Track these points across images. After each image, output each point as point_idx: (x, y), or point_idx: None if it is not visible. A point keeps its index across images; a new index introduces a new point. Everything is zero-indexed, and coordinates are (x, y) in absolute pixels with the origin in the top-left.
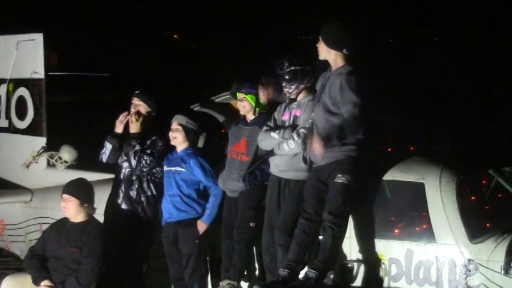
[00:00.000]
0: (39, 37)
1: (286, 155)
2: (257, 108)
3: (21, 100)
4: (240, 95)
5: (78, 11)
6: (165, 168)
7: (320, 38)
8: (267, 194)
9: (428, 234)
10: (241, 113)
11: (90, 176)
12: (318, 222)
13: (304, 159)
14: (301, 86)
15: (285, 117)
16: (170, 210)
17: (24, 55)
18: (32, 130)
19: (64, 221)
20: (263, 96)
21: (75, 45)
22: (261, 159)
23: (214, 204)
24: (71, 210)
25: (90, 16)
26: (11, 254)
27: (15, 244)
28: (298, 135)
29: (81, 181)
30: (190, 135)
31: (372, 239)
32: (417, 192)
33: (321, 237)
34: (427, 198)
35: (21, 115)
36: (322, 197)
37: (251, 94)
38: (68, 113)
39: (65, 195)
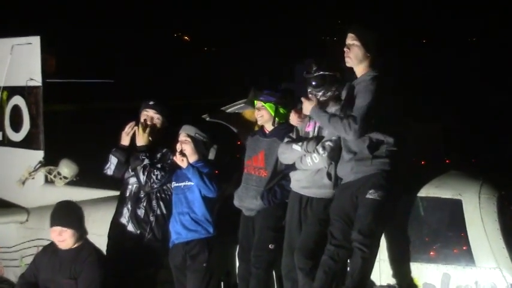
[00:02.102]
0: (36, 40)
1: (309, 169)
2: (276, 118)
3: (16, 110)
4: (258, 103)
5: (79, 12)
6: (174, 184)
7: (357, 42)
8: (287, 213)
9: (467, 256)
10: (259, 123)
11: (93, 194)
12: (348, 249)
13: (329, 175)
14: (329, 94)
15: (309, 128)
16: (178, 230)
17: (19, 60)
18: (28, 143)
19: (56, 245)
20: (295, 120)
21: (75, 49)
22: (281, 174)
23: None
24: (69, 241)
25: (92, 17)
26: (5, 281)
27: (10, 269)
28: (324, 148)
29: (69, 206)
30: (200, 147)
31: (404, 262)
32: (454, 210)
33: (349, 260)
34: (465, 216)
35: (16, 126)
36: (351, 218)
37: (270, 102)
38: (68, 124)
39: (57, 228)
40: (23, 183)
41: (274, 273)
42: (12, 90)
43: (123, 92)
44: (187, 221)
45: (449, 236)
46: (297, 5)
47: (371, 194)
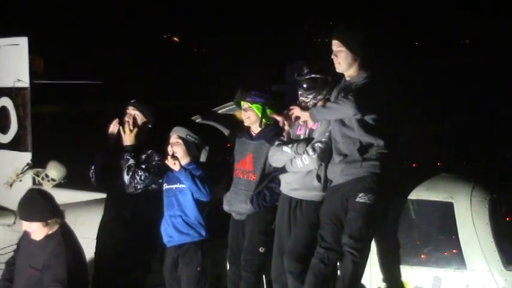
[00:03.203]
0: (23, 41)
1: (299, 171)
2: (263, 120)
3: (3, 111)
4: (244, 104)
5: (67, 12)
6: (165, 186)
7: (342, 48)
8: (277, 216)
9: (458, 259)
10: (246, 124)
11: (82, 196)
12: (338, 252)
13: (318, 177)
14: (319, 97)
15: (300, 132)
16: (170, 233)
17: (6, 61)
18: (15, 145)
19: None
20: (284, 123)
21: (64, 49)
22: (270, 176)
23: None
24: (38, 232)
25: (81, 17)
26: None
27: None
28: (314, 149)
29: (33, 198)
30: (192, 149)
31: (395, 266)
32: (445, 213)
33: (339, 263)
34: (456, 219)
35: (4, 128)
36: (341, 221)
37: (257, 104)
38: (56, 126)
39: (24, 222)
40: (11, 185)
41: (264, 277)
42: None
43: (113, 93)
44: (179, 223)
45: (440, 239)
46: (287, 5)
47: (361, 198)
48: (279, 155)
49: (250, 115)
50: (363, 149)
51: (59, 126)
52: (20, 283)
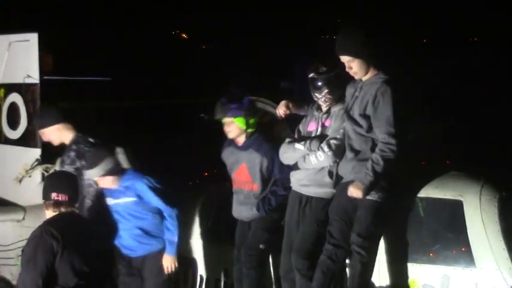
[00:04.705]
0: (33, 37)
1: (312, 168)
2: (248, 129)
3: (13, 107)
4: (226, 120)
5: (77, 8)
6: (111, 202)
7: (351, 59)
8: (286, 212)
9: (467, 258)
10: (230, 137)
11: None
12: (346, 249)
13: (330, 173)
14: (333, 94)
15: (312, 128)
16: (131, 247)
17: (16, 57)
18: (25, 141)
19: None
20: (281, 111)
21: (74, 46)
22: (271, 181)
23: (172, 229)
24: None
25: (91, 13)
26: (1, 279)
27: (6, 268)
28: (329, 146)
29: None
30: (111, 170)
31: (403, 263)
32: (454, 211)
33: (347, 261)
34: (465, 217)
35: (13, 124)
36: (350, 218)
37: (240, 117)
38: (65, 122)
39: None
40: (20, 181)
41: (272, 274)
42: (10, 88)
43: (122, 90)
44: (139, 235)
45: (449, 237)
46: (296, 3)
47: (371, 195)
48: (291, 153)
49: (233, 129)
50: (375, 147)
51: (68, 122)
52: None
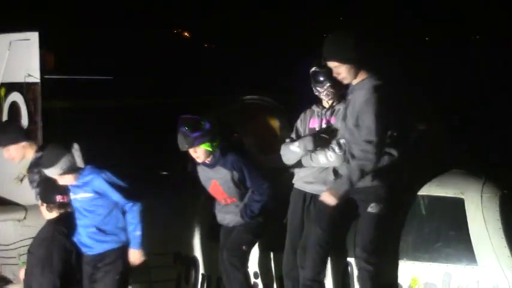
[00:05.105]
0: (34, 36)
1: (321, 167)
2: (215, 150)
3: (14, 106)
4: (192, 149)
5: (78, 7)
6: (72, 197)
7: (339, 64)
8: (288, 211)
9: (469, 255)
10: (199, 161)
11: None
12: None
13: (335, 172)
14: (335, 89)
15: (314, 124)
16: (88, 244)
17: (17, 56)
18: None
19: None
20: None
21: (75, 45)
22: (247, 190)
23: (134, 222)
24: None
25: (92, 12)
26: (3, 278)
27: (7, 267)
28: (340, 146)
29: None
30: (68, 168)
31: (404, 261)
32: (456, 209)
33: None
34: (467, 215)
35: (17, 124)
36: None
37: (205, 143)
38: (66, 121)
39: None
40: (21, 180)
41: (274, 273)
42: (10, 87)
43: (123, 89)
44: (95, 233)
45: (450, 235)
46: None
47: (373, 208)
48: (288, 155)
49: (200, 154)
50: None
51: (69, 121)
52: None
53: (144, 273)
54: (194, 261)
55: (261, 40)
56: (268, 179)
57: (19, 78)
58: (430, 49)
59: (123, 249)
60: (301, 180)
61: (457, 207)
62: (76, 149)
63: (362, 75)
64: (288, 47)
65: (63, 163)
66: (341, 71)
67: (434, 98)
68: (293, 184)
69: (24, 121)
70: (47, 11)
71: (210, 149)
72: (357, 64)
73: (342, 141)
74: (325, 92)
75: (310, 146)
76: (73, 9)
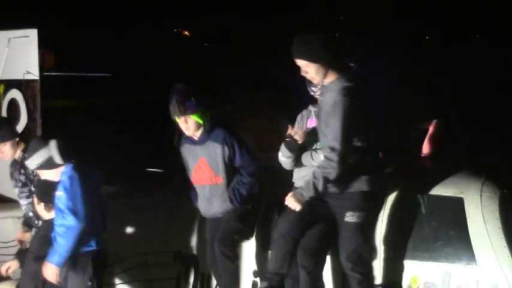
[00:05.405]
0: (33, 33)
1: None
2: (205, 123)
3: (13, 104)
4: (183, 118)
5: (78, 4)
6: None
7: (306, 62)
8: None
9: (468, 255)
10: (188, 134)
11: None
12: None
13: None
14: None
15: (312, 124)
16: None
17: (16, 53)
18: (25, 137)
19: None
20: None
21: (74, 42)
22: (235, 171)
23: (57, 238)
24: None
25: (91, 9)
26: (2, 276)
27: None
28: None
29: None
30: (51, 164)
31: (404, 261)
32: (455, 208)
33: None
34: (466, 214)
35: (13, 120)
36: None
37: (198, 111)
38: (66, 119)
39: None
40: None
41: None
42: (9, 84)
43: (123, 87)
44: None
45: (450, 235)
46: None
47: (350, 218)
48: (281, 163)
49: (190, 125)
50: (353, 166)
51: (69, 119)
52: None
53: (144, 271)
54: (194, 259)
55: (261, 40)
56: (258, 161)
57: (18, 75)
58: (430, 49)
59: (96, 254)
60: (302, 179)
61: (456, 206)
62: (53, 146)
63: (332, 76)
64: (288, 46)
65: (37, 156)
66: (309, 70)
67: (434, 98)
68: (293, 183)
69: (23, 118)
70: (46, 11)
71: (201, 121)
72: (326, 64)
73: None
74: (319, 92)
75: (287, 152)
76: (73, 9)
